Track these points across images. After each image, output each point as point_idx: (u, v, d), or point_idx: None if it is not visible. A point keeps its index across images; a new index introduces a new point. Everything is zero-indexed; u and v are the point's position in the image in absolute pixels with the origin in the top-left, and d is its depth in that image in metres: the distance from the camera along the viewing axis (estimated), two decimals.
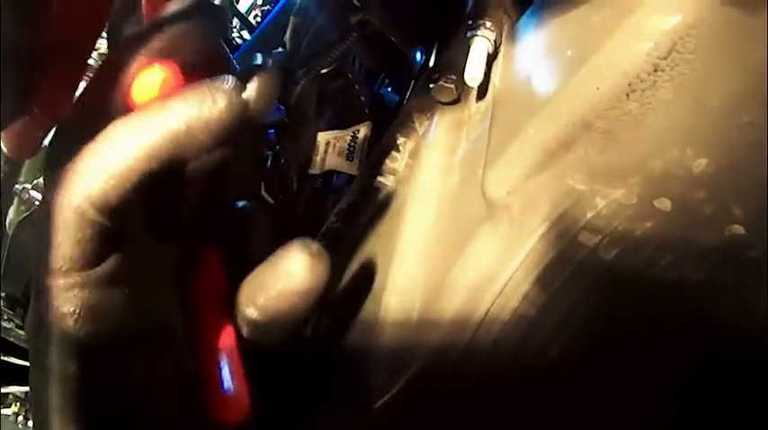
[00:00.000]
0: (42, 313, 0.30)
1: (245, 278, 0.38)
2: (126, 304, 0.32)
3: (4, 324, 1.13)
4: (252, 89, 0.33)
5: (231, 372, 0.37)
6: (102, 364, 0.32)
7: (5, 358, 1.07)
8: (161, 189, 0.31)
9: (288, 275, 0.35)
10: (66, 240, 0.29)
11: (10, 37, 0.46)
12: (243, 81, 0.33)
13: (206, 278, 0.39)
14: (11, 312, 1.16)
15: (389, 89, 0.74)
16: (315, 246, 0.36)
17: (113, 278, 0.31)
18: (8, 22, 0.45)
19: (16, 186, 1.16)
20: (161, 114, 0.30)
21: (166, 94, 0.31)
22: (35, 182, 1.14)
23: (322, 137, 0.70)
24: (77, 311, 0.30)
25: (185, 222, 0.37)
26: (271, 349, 0.40)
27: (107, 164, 0.29)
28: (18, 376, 1.12)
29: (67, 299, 0.30)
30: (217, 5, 0.38)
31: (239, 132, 0.31)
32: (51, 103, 0.60)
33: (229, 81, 0.31)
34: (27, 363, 0.89)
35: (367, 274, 0.54)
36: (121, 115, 0.31)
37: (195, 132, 0.30)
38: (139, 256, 0.33)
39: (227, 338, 0.38)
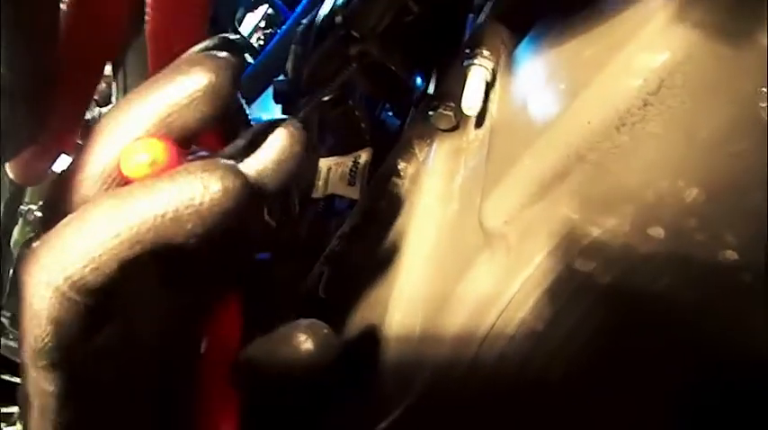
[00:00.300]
0: (29, 394, 0.29)
1: (249, 346, 0.36)
2: (120, 378, 0.30)
3: (10, 343, 1.13)
4: (262, 161, 0.30)
5: None
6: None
7: (9, 378, 1.07)
8: (151, 266, 0.29)
9: (292, 359, 0.33)
10: (45, 322, 0.27)
11: (17, 69, 0.47)
12: (252, 146, 0.30)
13: (219, 335, 0.38)
14: (16, 332, 1.17)
15: (390, 113, 0.75)
16: (322, 332, 0.34)
17: (104, 351, 0.29)
18: (15, 53, 0.46)
19: (21, 207, 1.17)
20: (146, 196, 0.26)
21: (158, 173, 0.28)
22: (41, 203, 1.14)
23: (324, 162, 0.71)
24: (64, 393, 0.28)
25: (190, 280, 0.34)
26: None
27: (86, 244, 0.26)
28: None
29: (52, 380, 0.28)
30: (234, 43, 0.35)
31: (238, 216, 0.27)
32: (58, 133, 0.61)
33: (226, 160, 0.28)
34: None
35: (369, 296, 0.55)
36: (107, 188, 0.29)
37: (184, 219, 0.26)
38: (135, 322, 0.31)
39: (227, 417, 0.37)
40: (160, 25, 0.57)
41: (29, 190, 1.17)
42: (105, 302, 0.28)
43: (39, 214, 1.14)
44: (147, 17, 0.57)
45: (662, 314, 0.40)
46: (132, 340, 0.31)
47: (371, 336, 0.52)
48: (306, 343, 0.33)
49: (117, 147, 0.29)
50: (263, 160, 0.30)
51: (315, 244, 0.71)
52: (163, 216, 0.26)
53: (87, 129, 0.33)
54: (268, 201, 0.31)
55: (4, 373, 0.99)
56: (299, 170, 0.31)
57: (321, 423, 0.53)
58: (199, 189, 0.26)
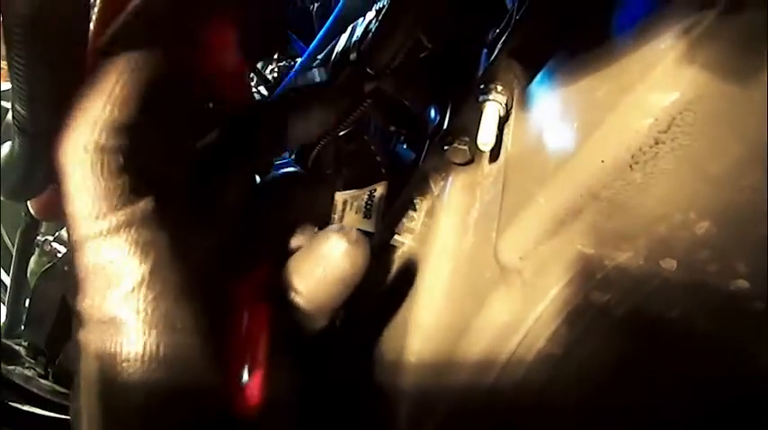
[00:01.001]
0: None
1: (287, 262, 0.38)
2: (172, 250, 0.31)
3: (26, 372, 1.14)
4: None
5: (252, 366, 0.37)
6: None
7: (21, 406, 1.07)
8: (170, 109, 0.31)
9: (327, 261, 0.36)
10: (92, 182, 0.28)
11: (35, 108, 0.48)
12: None
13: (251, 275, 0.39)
14: (32, 361, 1.17)
15: (404, 146, 0.76)
16: (353, 232, 0.36)
17: (155, 217, 0.30)
18: (34, 92, 0.47)
19: (38, 238, 1.18)
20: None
21: None
22: (57, 234, 1.15)
23: (339, 196, 0.72)
24: (131, 252, 0.29)
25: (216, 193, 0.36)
26: (310, 337, 0.40)
27: (101, 97, 0.28)
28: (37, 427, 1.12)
29: (115, 242, 0.28)
30: None
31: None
32: None
33: None
34: (47, 413, 0.90)
35: (386, 328, 0.55)
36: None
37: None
38: (176, 204, 0.32)
39: (256, 327, 0.38)
40: None
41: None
42: (139, 149, 0.29)
43: (55, 245, 1.15)
44: None
45: (676, 343, 0.41)
46: (173, 219, 0.31)
47: (391, 365, 0.52)
48: (340, 239, 0.36)
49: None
50: None
51: None
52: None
53: None
54: None
55: (16, 401, 0.99)
56: None
57: None
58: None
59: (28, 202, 0.61)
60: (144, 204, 0.29)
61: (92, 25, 0.50)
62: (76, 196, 0.28)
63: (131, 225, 0.29)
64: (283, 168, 0.90)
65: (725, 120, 0.34)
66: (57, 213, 0.56)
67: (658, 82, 0.35)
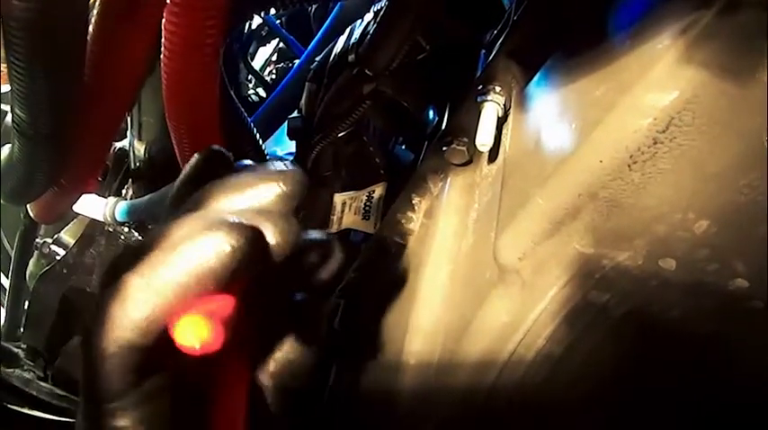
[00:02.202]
0: None
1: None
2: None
3: (24, 375, 1.13)
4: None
5: None
6: None
7: (20, 409, 1.07)
8: None
9: None
10: (112, 371, 0.30)
11: (35, 112, 0.48)
12: None
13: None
14: (32, 364, 1.17)
15: (403, 147, 0.76)
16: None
17: (159, 391, 0.32)
18: (33, 95, 0.47)
19: (37, 240, 1.18)
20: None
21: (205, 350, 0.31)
22: (56, 236, 1.15)
23: (338, 197, 0.72)
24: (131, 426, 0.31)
25: None
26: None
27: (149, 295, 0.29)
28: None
29: (121, 418, 0.31)
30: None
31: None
32: (78, 177, 0.62)
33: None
34: (46, 416, 0.90)
35: (386, 328, 0.55)
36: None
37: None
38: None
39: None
40: (175, 64, 0.58)
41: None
42: (161, 348, 0.30)
43: (54, 247, 1.15)
44: (162, 57, 0.58)
45: (676, 342, 0.41)
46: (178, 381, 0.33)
47: (390, 365, 0.52)
48: None
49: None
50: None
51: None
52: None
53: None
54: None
55: (15, 404, 0.99)
56: None
57: None
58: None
59: (29, 207, 0.61)
60: (150, 383, 0.32)
61: (91, 28, 0.50)
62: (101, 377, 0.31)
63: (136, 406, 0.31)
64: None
65: (722, 119, 0.34)
66: (58, 215, 0.55)
67: (656, 81, 0.35)
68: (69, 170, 0.58)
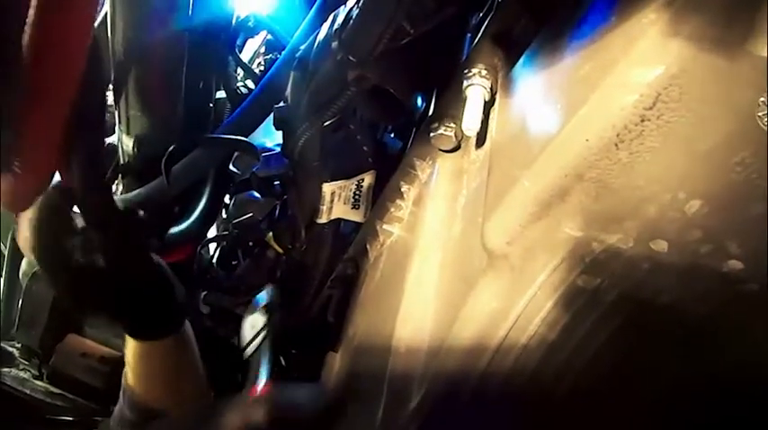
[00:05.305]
0: None
1: None
2: None
3: (20, 374, 1.14)
4: None
5: None
6: None
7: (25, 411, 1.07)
8: None
9: None
10: None
11: None
12: None
13: None
14: (26, 363, 1.17)
15: (392, 135, 0.75)
16: None
17: None
18: None
19: None
20: None
21: None
22: None
23: (327, 187, 0.72)
24: None
25: None
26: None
27: None
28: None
29: None
30: None
31: None
32: (32, 160, 0.61)
33: None
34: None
35: (377, 315, 0.55)
36: None
37: None
38: None
39: None
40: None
41: None
42: None
43: None
44: None
45: (670, 327, 0.40)
46: None
47: (381, 352, 0.52)
48: None
49: None
50: None
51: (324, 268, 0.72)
52: None
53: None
54: None
55: (14, 405, 0.99)
56: None
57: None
58: None
59: None
60: None
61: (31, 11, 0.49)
62: None
63: None
64: (271, 159, 0.89)
65: (712, 94, 0.34)
66: (23, 203, 0.56)
67: (641, 56, 0.34)
68: (20, 153, 0.57)
